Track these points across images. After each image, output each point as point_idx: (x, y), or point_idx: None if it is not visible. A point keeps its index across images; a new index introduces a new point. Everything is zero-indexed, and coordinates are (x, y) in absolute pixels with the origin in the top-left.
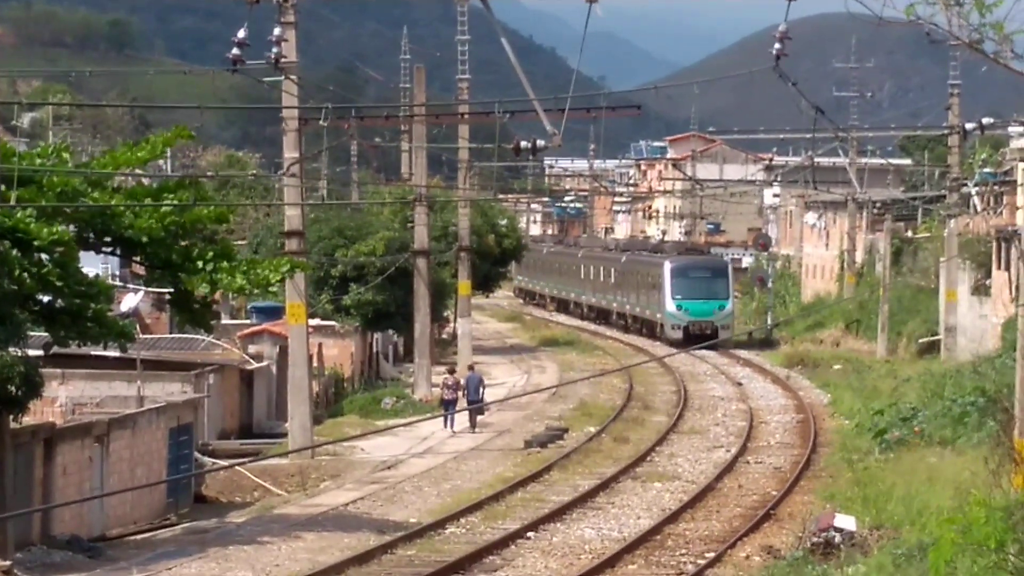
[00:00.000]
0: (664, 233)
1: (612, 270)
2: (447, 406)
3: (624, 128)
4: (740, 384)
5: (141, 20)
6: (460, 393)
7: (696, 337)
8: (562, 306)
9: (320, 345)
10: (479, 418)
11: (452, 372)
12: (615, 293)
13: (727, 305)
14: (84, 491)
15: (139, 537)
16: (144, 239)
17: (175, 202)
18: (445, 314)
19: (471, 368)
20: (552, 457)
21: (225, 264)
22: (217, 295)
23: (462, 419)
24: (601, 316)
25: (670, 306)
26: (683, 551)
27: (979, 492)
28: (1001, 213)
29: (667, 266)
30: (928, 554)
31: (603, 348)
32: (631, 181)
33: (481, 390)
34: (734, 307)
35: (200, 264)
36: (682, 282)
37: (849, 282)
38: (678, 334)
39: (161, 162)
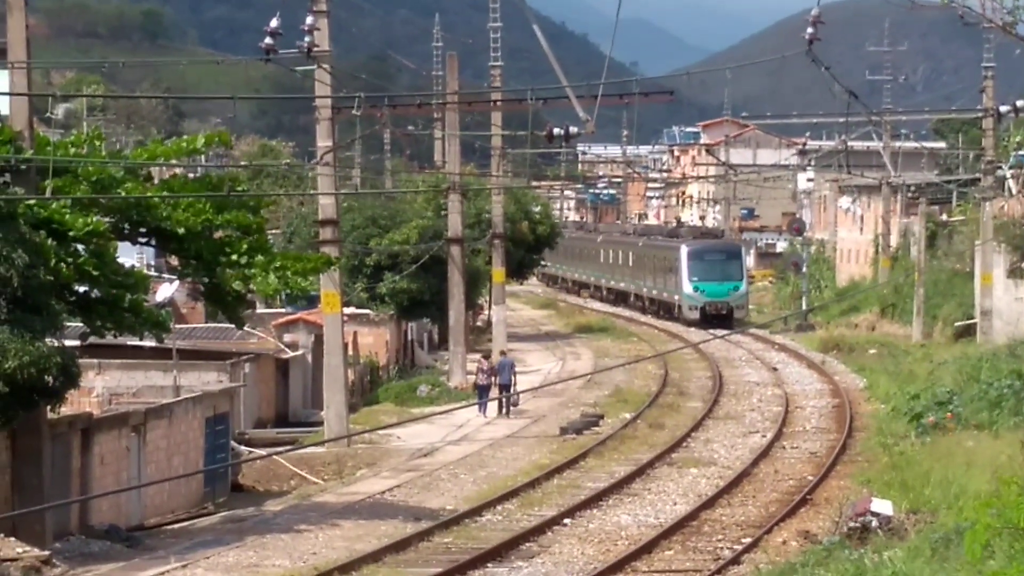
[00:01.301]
0: (678, 219)
1: (630, 254)
2: (481, 391)
3: (657, 114)
4: (775, 369)
5: (174, 10)
6: (494, 379)
7: (712, 317)
8: (583, 289)
9: (355, 333)
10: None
11: (487, 358)
12: (633, 276)
13: (741, 286)
14: (121, 481)
15: (177, 526)
16: (180, 231)
17: (211, 194)
18: (479, 301)
19: (503, 353)
20: (588, 444)
21: (259, 259)
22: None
23: (495, 405)
24: (620, 298)
25: (687, 288)
26: (720, 536)
27: (1013, 475)
28: None
29: (684, 250)
30: (964, 538)
31: (638, 334)
32: (664, 167)
33: (513, 375)
34: (748, 288)
35: (235, 258)
36: (698, 265)
37: (884, 266)
38: (695, 314)
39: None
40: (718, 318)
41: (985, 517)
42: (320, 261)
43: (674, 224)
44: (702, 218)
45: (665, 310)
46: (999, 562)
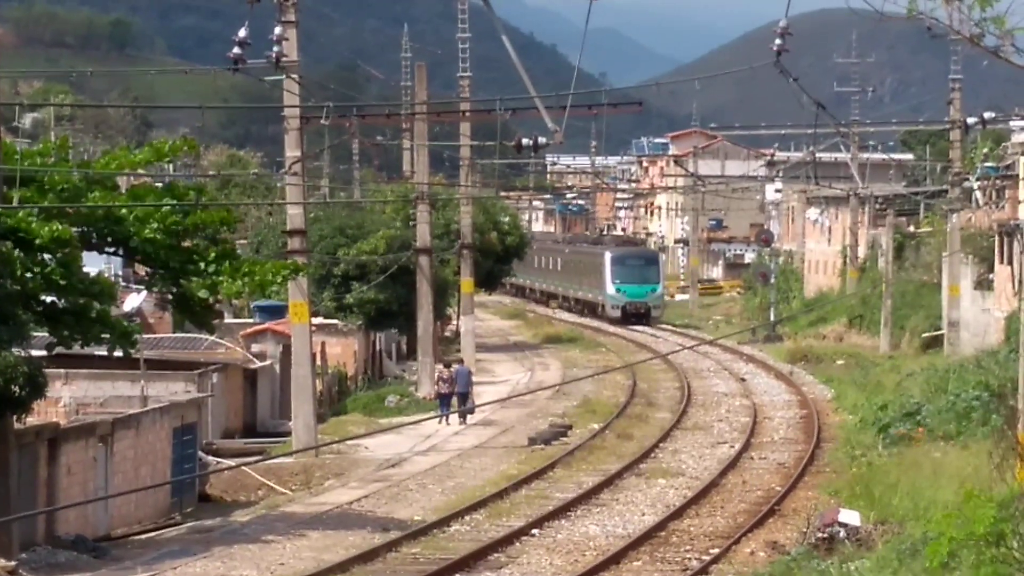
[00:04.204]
0: (601, 229)
1: (559, 260)
2: (443, 400)
3: (626, 125)
4: (743, 380)
5: (142, 19)
6: (454, 387)
7: (632, 315)
8: (519, 292)
9: (323, 344)
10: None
11: (447, 367)
12: (562, 279)
13: (658, 288)
14: (88, 491)
15: (144, 537)
16: (148, 248)
17: (179, 203)
18: (448, 312)
19: (461, 362)
20: (556, 454)
21: (227, 266)
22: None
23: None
24: (550, 299)
25: (610, 289)
26: (687, 547)
27: (980, 487)
28: (1003, 207)
29: (607, 256)
30: (926, 549)
31: (606, 345)
32: (633, 178)
33: (470, 384)
34: (664, 290)
35: (202, 267)
36: (620, 269)
37: (852, 277)
38: (617, 313)
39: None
40: (637, 316)
41: (951, 529)
42: (288, 268)
43: (599, 234)
44: (623, 229)
45: (590, 310)
46: (964, 572)
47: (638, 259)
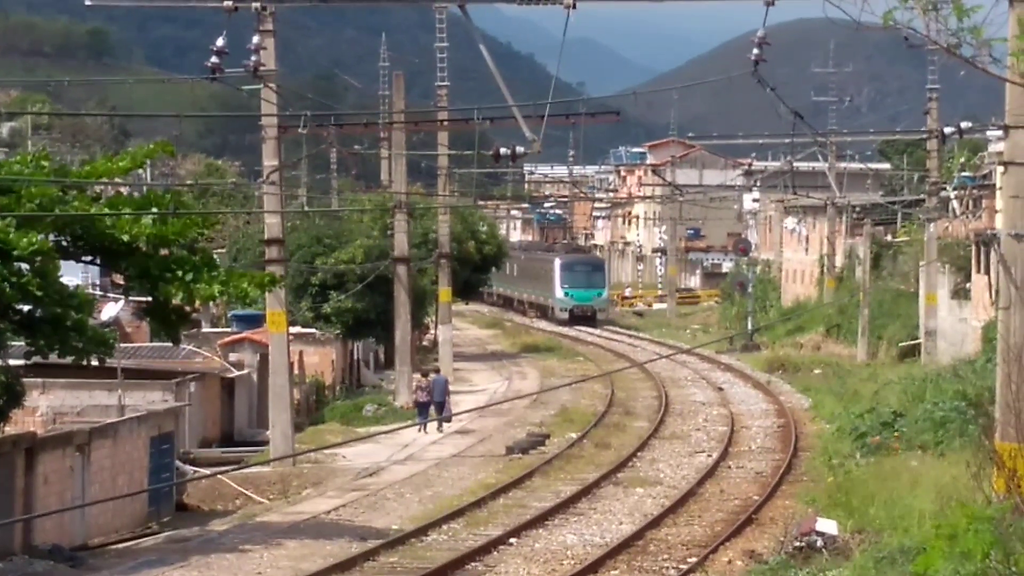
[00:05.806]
0: (553, 237)
1: (515, 266)
2: (421, 409)
3: (603, 134)
4: (721, 389)
5: (120, 29)
6: (431, 396)
7: (579, 318)
8: (477, 296)
9: (301, 353)
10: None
11: (425, 375)
12: (516, 284)
13: (603, 293)
14: (65, 500)
15: (121, 546)
16: (124, 246)
17: (155, 212)
18: (426, 321)
19: (437, 371)
20: (534, 463)
21: (205, 274)
22: (197, 303)
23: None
24: (506, 303)
25: (559, 293)
26: (665, 556)
27: (962, 497)
28: (980, 216)
29: (557, 262)
30: (913, 560)
31: (584, 354)
32: (611, 187)
33: (447, 392)
34: (608, 294)
35: (179, 274)
36: (569, 275)
37: (829, 286)
38: (565, 315)
39: (140, 171)
40: (583, 319)
41: (939, 543)
42: (265, 278)
43: (551, 241)
44: (573, 238)
45: (540, 312)
46: None
47: (585, 266)
